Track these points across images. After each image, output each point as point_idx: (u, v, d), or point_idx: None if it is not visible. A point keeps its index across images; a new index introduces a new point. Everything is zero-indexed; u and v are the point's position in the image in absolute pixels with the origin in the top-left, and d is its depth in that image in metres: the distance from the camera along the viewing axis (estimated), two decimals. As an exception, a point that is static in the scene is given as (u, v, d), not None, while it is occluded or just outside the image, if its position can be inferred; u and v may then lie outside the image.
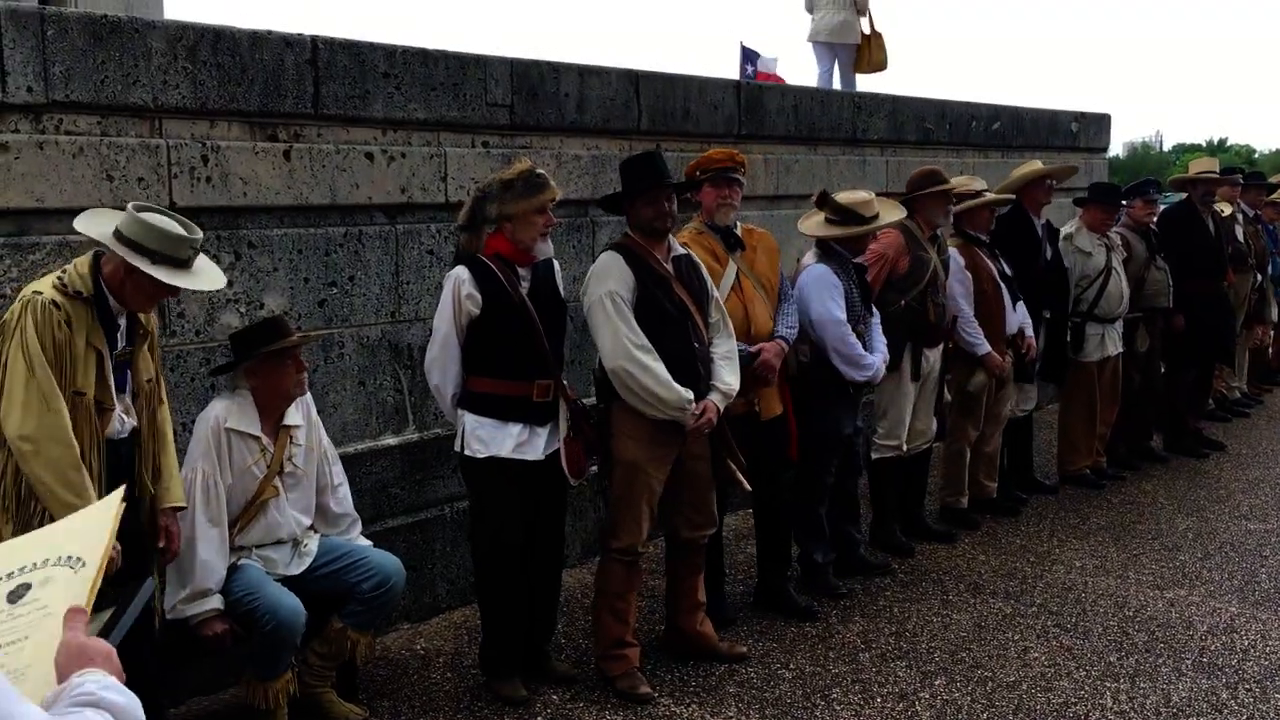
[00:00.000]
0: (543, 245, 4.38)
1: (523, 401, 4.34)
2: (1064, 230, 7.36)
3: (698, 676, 4.68)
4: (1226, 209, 8.88)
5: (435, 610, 5.35)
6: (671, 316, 4.47)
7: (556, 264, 4.57)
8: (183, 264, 3.56)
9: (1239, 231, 8.99)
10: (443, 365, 4.38)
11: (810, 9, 10.50)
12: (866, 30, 10.30)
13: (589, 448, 4.44)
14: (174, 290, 3.63)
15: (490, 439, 4.33)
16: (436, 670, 4.77)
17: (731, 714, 4.35)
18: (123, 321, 3.61)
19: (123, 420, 3.63)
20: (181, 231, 3.55)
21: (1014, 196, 6.75)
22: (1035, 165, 7.17)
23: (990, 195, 6.56)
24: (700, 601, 4.86)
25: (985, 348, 6.32)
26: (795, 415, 5.20)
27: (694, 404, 4.39)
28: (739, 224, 5.06)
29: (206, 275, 3.71)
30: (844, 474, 5.72)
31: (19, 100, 4.04)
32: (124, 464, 3.62)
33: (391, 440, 5.30)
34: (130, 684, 1.54)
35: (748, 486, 4.76)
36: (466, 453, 4.38)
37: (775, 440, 5.08)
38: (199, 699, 4.47)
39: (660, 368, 4.36)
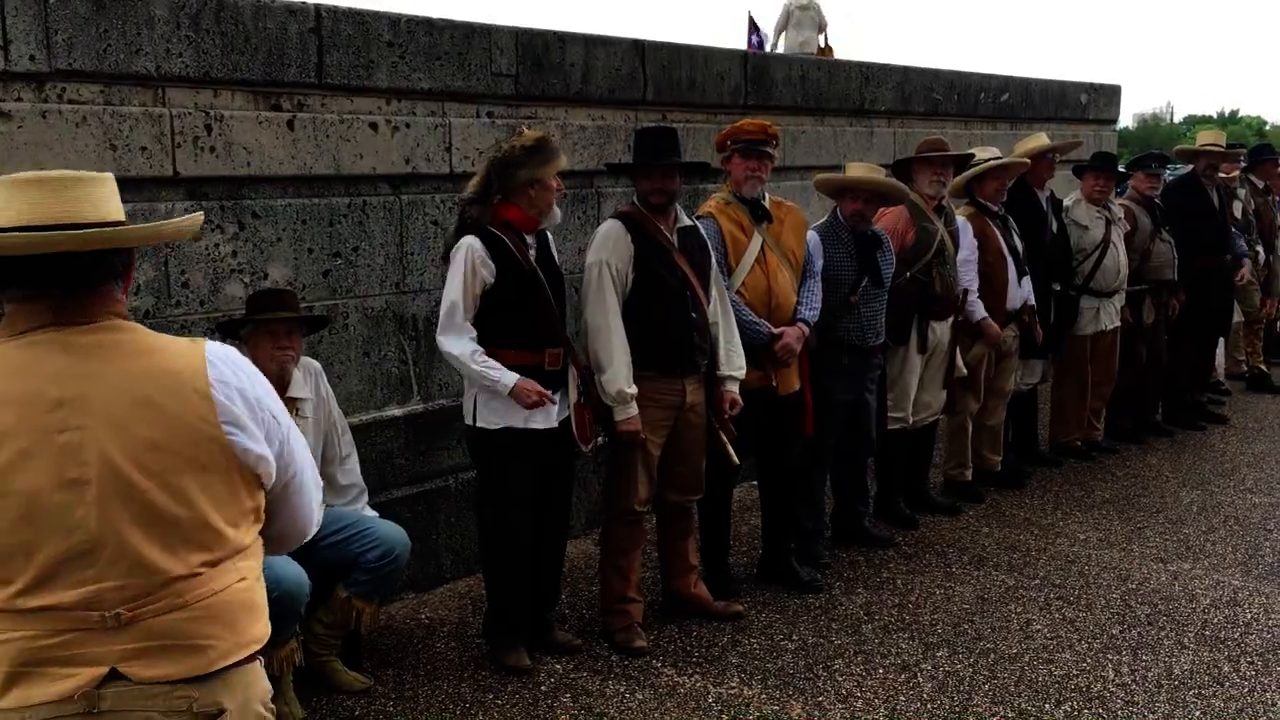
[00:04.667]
0: (556, 210, 4.43)
1: (535, 370, 4.34)
2: (1064, 202, 7.32)
3: (700, 647, 4.70)
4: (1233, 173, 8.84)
5: (439, 580, 5.38)
6: (670, 286, 4.55)
7: (549, 235, 4.58)
8: None
9: (1236, 208, 8.91)
10: (458, 333, 4.30)
11: (782, 29, 12.96)
12: (822, 44, 12.63)
13: (598, 414, 4.47)
14: None
15: (505, 410, 4.33)
16: (441, 639, 4.80)
17: (734, 684, 4.38)
18: None
19: None
20: None
21: (1028, 161, 6.69)
22: (1040, 138, 7.12)
23: (993, 161, 6.50)
24: (693, 564, 4.98)
25: (980, 314, 6.29)
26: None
27: (634, 403, 4.46)
28: (767, 196, 5.06)
29: None
30: (855, 449, 5.72)
31: (21, 68, 4.02)
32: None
33: (396, 411, 5.31)
34: None
35: (735, 460, 4.82)
36: (479, 424, 4.37)
37: (790, 415, 5.11)
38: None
39: (619, 354, 4.43)
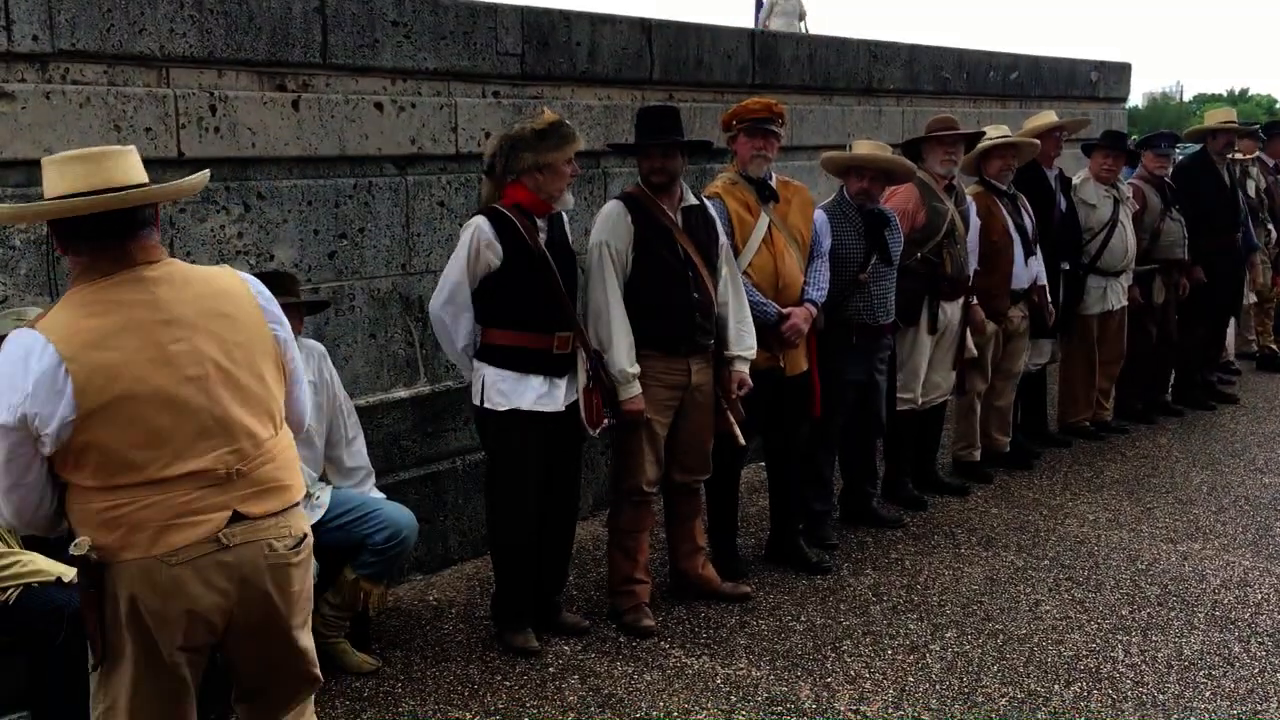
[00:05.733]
0: (568, 195, 4.39)
1: (543, 354, 4.33)
2: (1073, 181, 7.26)
3: (708, 628, 4.70)
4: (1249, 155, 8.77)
5: (447, 562, 5.38)
6: (672, 267, 4.52)
7: (565, 216, 4.55)
8: None
9: (1250, 186, 8.84)
10: (453, 314, 4.34)
11: (767, 17, 13.81)
12: (802, 31, 13.23)
13: (608, 398, 4.45)
14: None
15: (511, 391, 4.31)
16: (449, 621, 4.80)
17: (742, 666, 4.37)
18: None
19: None
20: None
21: (1037, 143, 6.63)
22: (1048, 116, 7.06)
23: (999, 139, 6.44)
24: (700, 545, 4.98)
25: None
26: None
27: (637, 382, 4.45)
28: (774, 176, 5.03)
29: None
30: (864, 430, 5.70)
31: (25, 49, 4.00)
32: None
33: (403, 393, 5.30)
34: None
35: (741, 441, 4.80)
36: (487, 405, 4.36)
37: (797, 396, 5.09)
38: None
39: (620, 334, 4.42)
